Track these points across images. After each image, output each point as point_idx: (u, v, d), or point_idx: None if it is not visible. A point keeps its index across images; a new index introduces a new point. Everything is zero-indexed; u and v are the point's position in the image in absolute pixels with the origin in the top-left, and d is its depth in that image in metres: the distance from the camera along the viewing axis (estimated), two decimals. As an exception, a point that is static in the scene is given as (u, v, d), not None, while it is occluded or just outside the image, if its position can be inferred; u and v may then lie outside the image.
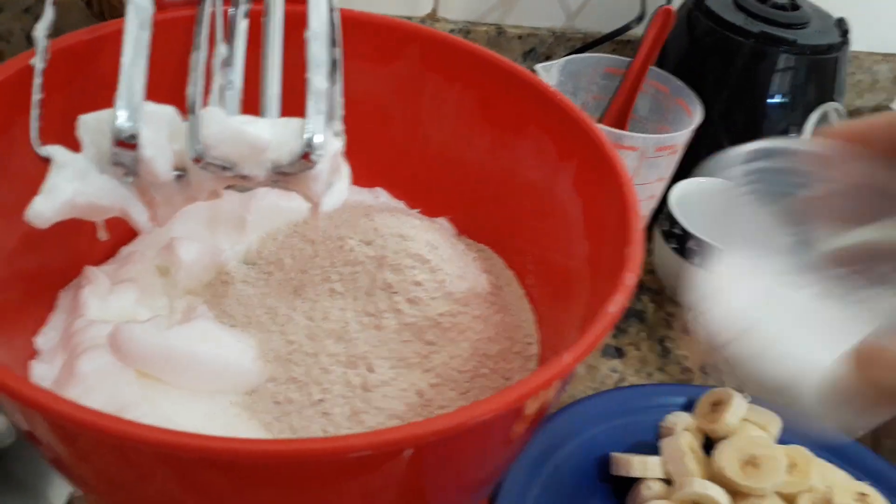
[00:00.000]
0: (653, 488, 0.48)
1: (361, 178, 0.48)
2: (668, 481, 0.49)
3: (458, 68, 0.44)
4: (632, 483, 0.50)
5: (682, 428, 0.51)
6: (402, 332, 0.38)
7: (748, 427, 0.51)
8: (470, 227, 0.48)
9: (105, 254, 0.43)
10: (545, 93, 0.40)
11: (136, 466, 0.26)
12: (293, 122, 0.28)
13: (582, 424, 0.52)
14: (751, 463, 0.47)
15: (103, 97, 0.30)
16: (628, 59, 0.55)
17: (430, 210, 0.49)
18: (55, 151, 0.27)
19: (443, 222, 0.48)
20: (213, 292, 0.42)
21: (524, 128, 0.43)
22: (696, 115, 0.54)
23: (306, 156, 0.27)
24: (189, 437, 0.22)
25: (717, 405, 0.51)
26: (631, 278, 0.28)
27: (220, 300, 0.41)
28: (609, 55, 0.58)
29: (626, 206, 0.32)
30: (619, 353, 0.60)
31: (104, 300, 0.38)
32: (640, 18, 0.63)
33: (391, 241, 0.39)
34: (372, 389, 0.36)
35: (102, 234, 0.31)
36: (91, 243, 0.42)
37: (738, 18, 0.61)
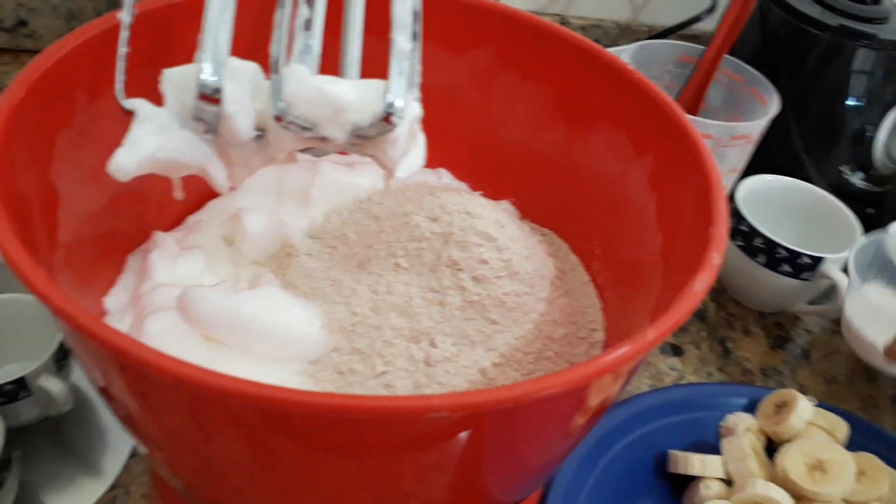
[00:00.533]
0: (712, 488, 0.47)
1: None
2: (727, 481, 0.47)
3: (537, 56, 0.43)
4: (688, 481, 0.49)
5: (743, 428, 0.50)
6: (466, 310, 0.37)
7: (814, 431, 0.49)
8: (533, 212, 0.47)
9: (172, 222, 0.44)
10: (624, 74, 0.39)
11: (210, 421, 0.26)
12: (375, 84, 0.28)
13: (640, 419, 0.51)
14: (818, 468, 0.45)
15: (180, 63, 0.30)
16: (702, 48, 0.54)
17: (493, 193, 0.48)
18: (139, 104, 0.27)
19: (506, 205, 0.47)
20: (278, 264, 0.42)
21: (599, 123, 0.42)
22: (773, 105, 0.52)
23: (387, 118, 0.27)
24: (273, 390, 0.21)
25: (782, 407, 0.49)
26: (717, 258, 0.27)
27: (285, 271, 0.41)
28: (683, 42, 0.57)
29: (709, 186, 0.31)
30: (678, 351, 0.58)
31: (172, 264, 0.39)
32: (710, 10, 0.61)
33: (457, 217, 0.39)
34: (434, 365, 0.36)
35: (178, 194, 0.31)
36: (159, 210, 0.43)
37: (814, 10, 0.59)
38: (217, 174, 0.29)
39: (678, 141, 0.35)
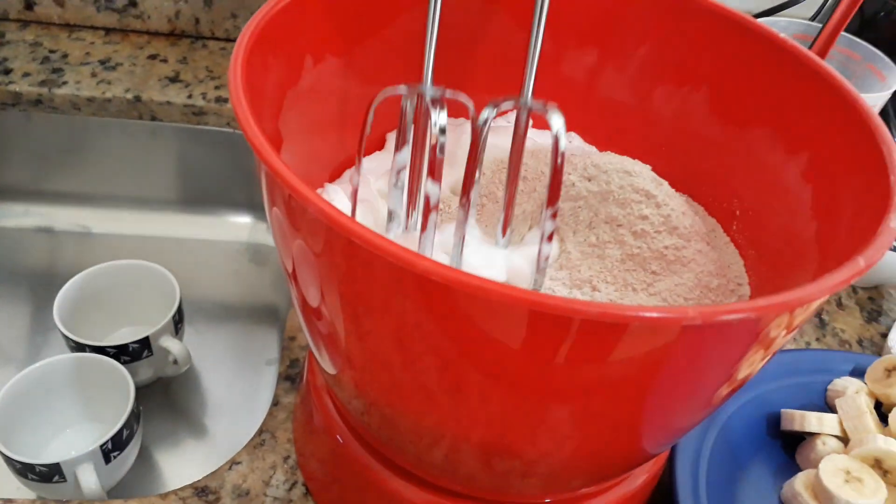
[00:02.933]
0: (829, 444, 0.49)
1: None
2: (841, 439, 0.49)
3: (696, 50, 0.44)
4: (798, 441, 0.51)
5: (854, 391, 0.52)
6: (626, 262, 0.40)
7: (924, 394, 0.51)
8: (662, 175, 0.49)
9: (330, 176, 0.46)
10: (796, 57, 0.40)
11: (430, 328, 0.27)
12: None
13: (753, 381, 0.53)
14: (934, 426, 0.47)
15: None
16: (818, 25, 0.56)
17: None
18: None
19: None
20: (431, 218, 0.44)
21: (753, 124, 0.42)
22: (893, 79, 0.54)
23: None
24: (538, 295, 0.24)
25: (893, 370, 0.51)
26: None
27: (440, 225, 0.43)
28: (799, 20, 0.59)
29: (880, 139, 0.33)
30: (777, 320, 0.60)
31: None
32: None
33: (615, 176, 0.41)
34: (600, 309, 0.38)
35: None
36: (325, 165, 0.45)
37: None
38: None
39: (847, 121, 0.36)
